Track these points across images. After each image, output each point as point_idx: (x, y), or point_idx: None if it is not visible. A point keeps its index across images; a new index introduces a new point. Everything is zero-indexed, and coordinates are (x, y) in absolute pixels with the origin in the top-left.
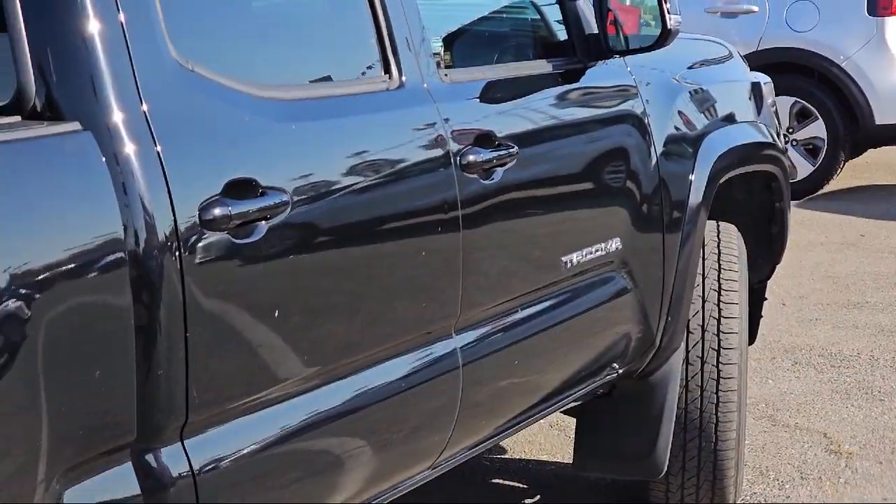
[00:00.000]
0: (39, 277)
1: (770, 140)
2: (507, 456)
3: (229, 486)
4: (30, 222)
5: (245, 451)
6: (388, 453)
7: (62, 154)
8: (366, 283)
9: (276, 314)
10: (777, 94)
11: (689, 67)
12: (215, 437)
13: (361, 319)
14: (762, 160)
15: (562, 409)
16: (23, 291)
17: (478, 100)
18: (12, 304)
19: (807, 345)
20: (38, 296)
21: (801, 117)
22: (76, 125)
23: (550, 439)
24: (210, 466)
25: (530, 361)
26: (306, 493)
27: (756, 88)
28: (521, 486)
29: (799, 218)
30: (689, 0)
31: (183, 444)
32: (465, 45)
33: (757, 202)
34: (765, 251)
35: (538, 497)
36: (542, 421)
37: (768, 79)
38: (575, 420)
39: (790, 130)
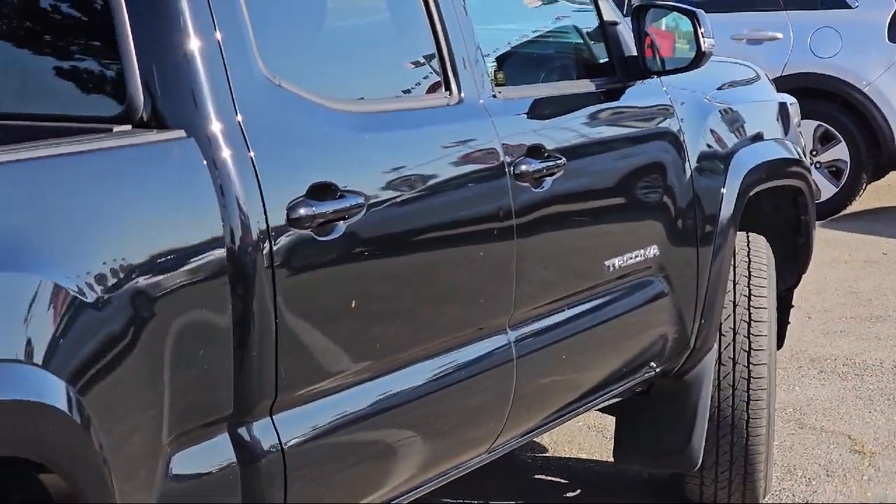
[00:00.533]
0: (150, 268)
1: (797, 157)
2: (548, 454)
3: (312, 458)
4: (143, 217)
5: (325, 428)
6: (452, 436)
7: (171, 157)
8: (430, 279)
9: (353, 305)
10: (801, 118)
11: (720, 88)
12: (300, 415)
13: (426, 313)
14: (789, 176)
15: (602, 407)
16: (139, 282)
17: (527, 115)
18: (134, 292)
19: (832, 355)
20: (153, 285)
21: (825, 140)
22: (182, 133)
23: (589, 440)
24: (295, 440)
25: (576, 357)
26: (379, 467)
27: (783, 108)
28: (562, 481)
29: (823, 237)
30: (716, 27)
31: (272, 420)
32: (515, 65)
33: (784, 215)
34: (791, 261)
35: (579, 491)
36: (580, 423)
37: (794, 100)
38: (613, 420)
39: (814, 153)
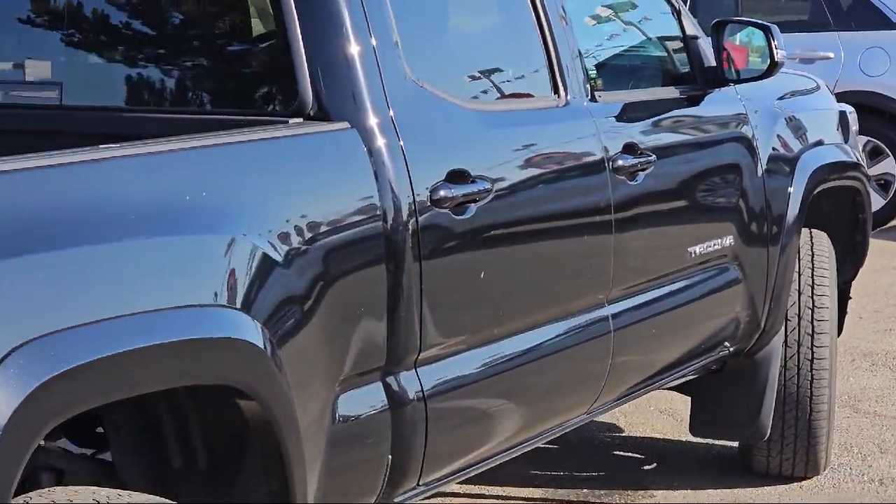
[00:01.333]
0: (322, 236)
1: (855, 161)
2: (625, 435)
3: (447, 407)
4: (316, 192)
5: (458, 382)
6: (561, 396)
7: (337, 144)
8: (543, 257)
9: (482, 276)
10: None
11: (785, 97)
12: (438, 369)
13: (540, 285)
14: (848, 177)
15: (677, 387)
16: (313, 246)
17: (622, 117)
18: (309, 255)
19: (882, 350)
20: (324, 249)
21: (874, 155)
22: (346, 125)
23: (661, 421)
24: (434, 390)
25: (664, 333)
26: (499, 419)
27: (843, 117)
28: (639, 457)
29: (873, 246)
30: None
31: (416, 372)
32: (610, 72)
33: (843, 215)
34: (850, 256)
35: (655, 465)
36: (652, 407)
37: (852, 109)
38: (682, 404)
39: None
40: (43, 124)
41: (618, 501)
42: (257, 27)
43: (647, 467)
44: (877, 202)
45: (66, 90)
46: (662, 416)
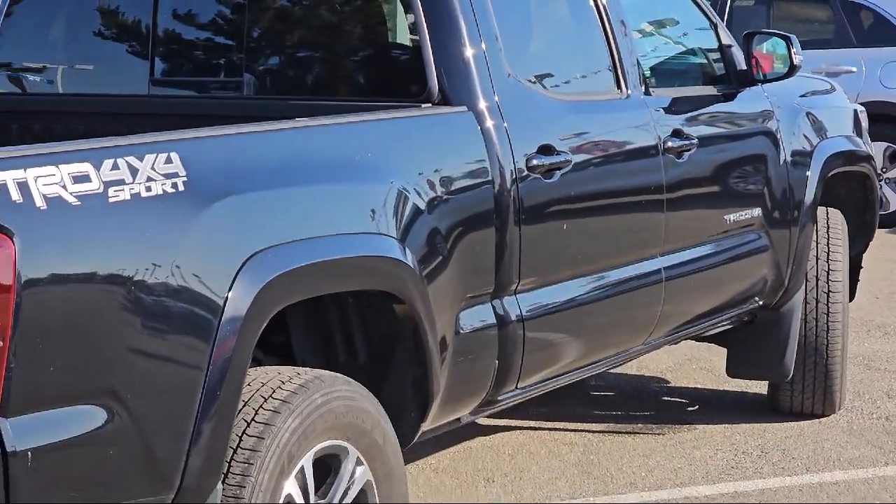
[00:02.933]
0: (449, 191)
1: (864, 150)
2: (670, 385)
3: (539, 328)
4: (444, 156)
5: (548, 309)
6: (625, 327)
7: (459, 124)
8: (611, 215)
9: (564, 227)
10: (872, 140)
11: (804, 96)
12: (531, 297)
13: (608, 238)
14: (858, 163)
15: (716, 337)
16: (444, 196)
17: (671, 108)
18: (441, 203)
19: (894, 322)
20: (452, 199)
21: (893, 159)
22: (464, 108)
23: (702, 376)
24: (529, 314)
25: (705, 285)
26: (577, 342)
27: (855, 114)
28: (683, 401)
29: (891, 241)
30: None
31: (516, 298)
32: (661, 73)
33: (855, 196)
34: (860, 231)
35: (696, 407)
36: (694, 365)
37: (863, 108)
38: (720, 361)
39: (883, 170)
40: (246, 111)
41: (666, 433)
42: (399, 37)
43: (690, 409)
44: (895, 202)
45: (250, 85)
46: (703, 371)
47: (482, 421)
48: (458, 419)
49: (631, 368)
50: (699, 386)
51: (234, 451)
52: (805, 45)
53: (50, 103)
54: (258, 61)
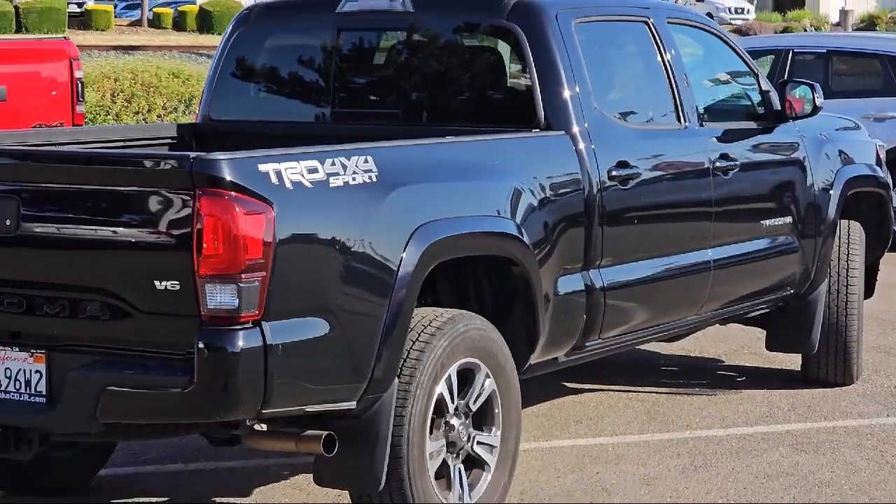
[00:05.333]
0: (549, 197)
1: (881, 176)
2: (725, 363)
3: (614, 297)
4: (548, 170)
5: (622, 282)
6: (683, 301)
7: (559, 144)
8: (671, 213)
9: (636, 222)
10: None
11: (830, 131)
12: (610, 272)
13: (670, 232)
14: (875, 186)
15: (757, 320)
16: (549, 198)
17: (720, 137)
18: (547, 202)
19: None
20: (552, 202)
21: None
22: (563, 133)
23: (750, 359)
24: (608, 284)
25: (745, 274)
26: (644, 308)
27: (875, 147)
28: (732, 374)
29: None
30: (851, 109)
31: (599, 272)
32: (713, 111)
33: (872, 213)
34: (877, 241)
35: (743, 379)
36: (746, 350)
37: (882, 143)
38: (761, 346)
39: None
40: (404, 133)
41: (717, 394)
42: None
43: (738, 379)
44: None
45: (405, 115)
46: (752, 355)
47: (571, 385)
48: (556, 359)
49: (693, 352)
50: (748, 364)
51: (405, 360)
52: (856, 94)
53: (267, 127)
54: (411, 98)
